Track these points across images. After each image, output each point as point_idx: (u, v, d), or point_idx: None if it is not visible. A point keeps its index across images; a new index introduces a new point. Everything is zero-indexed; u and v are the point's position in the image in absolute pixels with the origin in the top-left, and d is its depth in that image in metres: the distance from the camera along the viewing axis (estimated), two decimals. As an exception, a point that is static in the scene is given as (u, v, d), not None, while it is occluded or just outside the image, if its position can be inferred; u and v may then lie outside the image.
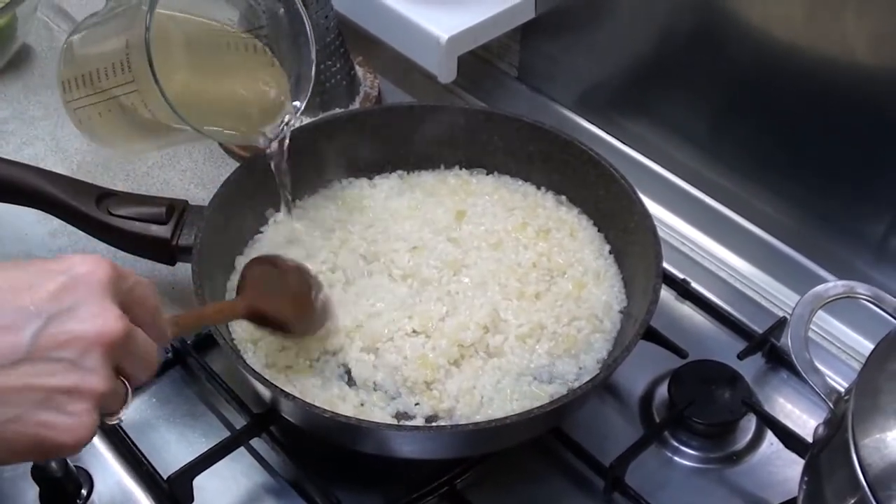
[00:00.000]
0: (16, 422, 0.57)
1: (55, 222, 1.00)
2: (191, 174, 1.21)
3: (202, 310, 0.85)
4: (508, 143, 1.06)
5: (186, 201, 0.97)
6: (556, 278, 0.98)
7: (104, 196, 0.96)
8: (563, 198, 1.05)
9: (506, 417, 0.80)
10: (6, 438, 0.57)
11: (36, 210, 0.99)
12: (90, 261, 0.61)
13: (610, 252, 1.01)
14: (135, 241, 0.96)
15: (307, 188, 1.05)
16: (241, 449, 0.92)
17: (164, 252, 0.96)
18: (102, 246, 0.99)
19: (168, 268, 0.99)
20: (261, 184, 1.00)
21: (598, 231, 1.03)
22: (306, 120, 1.17)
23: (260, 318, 0.87)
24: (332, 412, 0.81)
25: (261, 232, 1.02)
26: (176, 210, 0.96)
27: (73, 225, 0.97)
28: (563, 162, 1.03)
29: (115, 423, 0.64)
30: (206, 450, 0.89)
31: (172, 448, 0.94)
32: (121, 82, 0.91)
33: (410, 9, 1.15)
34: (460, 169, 1.09)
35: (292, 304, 0.89)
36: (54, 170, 0.99)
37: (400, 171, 1.09)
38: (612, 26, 1.14)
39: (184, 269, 0.91)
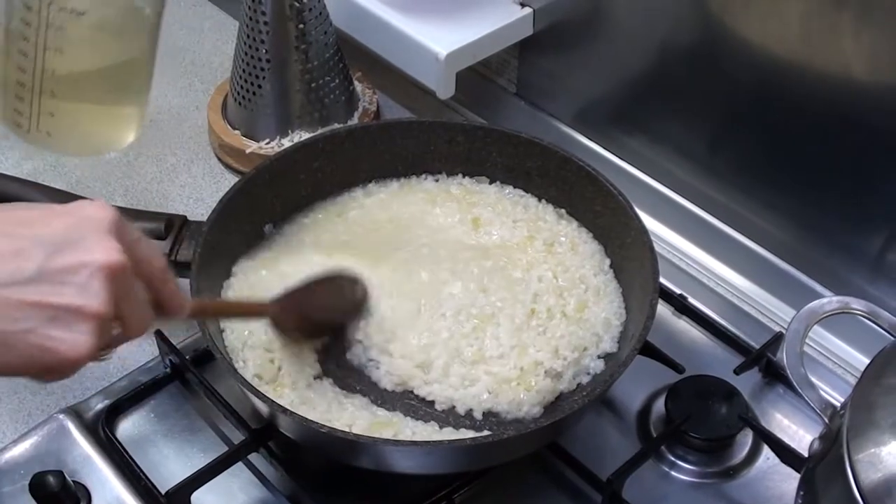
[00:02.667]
0: (27, 333, 0.62)
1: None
2: (189, 189, 1.22)
3: (229, 301, 0.93)
4: (507, 159, 1.07)
5: (185, 216, 0.98)
6: (565, 297, 0.98)
7: (103, 211, 0.96)
8: (563, 211, 1.05)
9: (503, 433, 0.81)
10: (17, 347, 0.62)
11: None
12: (96, 204, 0.67)
13: (610, 266, 1.01)
14: (134, 256, 0.96)
15: (304, 204, 1.06)
16: (240, 464, 0.92)
17: (162, 267, 0.96)
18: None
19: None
20: (259, 199, 1.01)
21: (598, 244, 1.03)
22: (305, 135, 1.18)
23: (284, 324, 0.90)
24: (329, 427, 0.81)
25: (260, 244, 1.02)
26: (174, 225, 0.96)
27: (72, 240, 0.97)
28: (561, 178, 1.03)
29: (103, 359, 0.70)
30: (204, 465, 0.90)
31: (171, 463, 0.94)
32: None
33: (409, 25, 1.16)
34: (463, 177, 1.09)
35: (323, 308, 0.93)
36: (53, 185, 1.00)
37: (402, 180, 1.10)
38: (610, 43, 1.14)
39: (182, 285, 0.91)
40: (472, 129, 1.07)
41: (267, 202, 1.02)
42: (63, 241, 0.64)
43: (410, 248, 1.02)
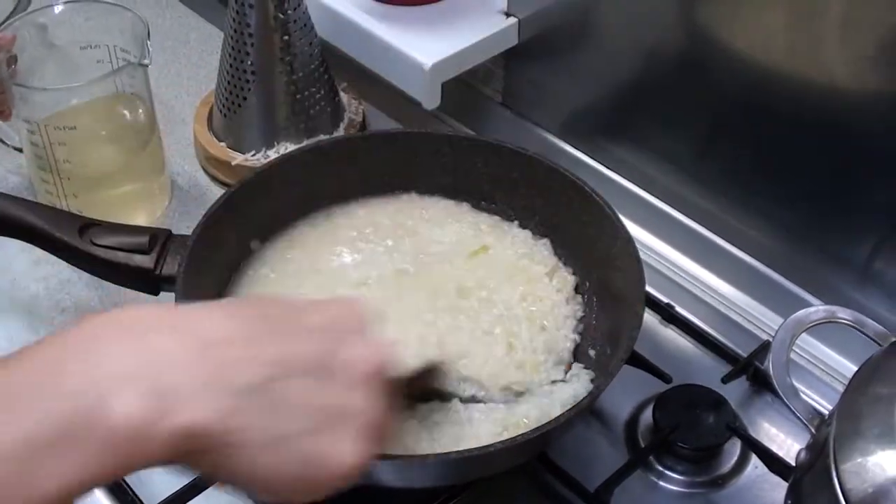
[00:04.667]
0: (299, 436, 0.54)
1: (39, 251, 1.00)
2: (174, 203, 1.21)
3: None
4: (493, 169, 1.06)
5: (169, 230, 0.97)
6: (544, 326, 0.98)
7: (87, 226, 0.96)
8: (547, 241, 1.05)
9: (490, 445, 0.80)
10: (288, 454, 0.54)
11: (19, 240, 0.99)
12: (343, 303, 0.62)
13: (588, 286, 1.01)
14: (118, 271, 0.95)
15: (291, 217, 1.05)
16: (227, 478, 0.92)
17: (147, 282, 0.95)
18: (86, 276, 0.99)
19: (152, 298, 0.99)
20: (245, 213, 1.00)
21: (573, 273, 1.03)
22: (291, 147, 1.18)
23: None
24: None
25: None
26: (159, 239, 0.95)
27: (57, 255, 0.97)
28: (547, 188, 1.03)
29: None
30: (192, 479, 0.89)
31: (158, 478, 0.92)
32: None
33: (394, 35, 1.16)
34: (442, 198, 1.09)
35: None
36: (38, 200, 0.99)
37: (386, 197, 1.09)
38: (596, 52, 1.14)
39: (167, 300, 0.91)
40: (457, 140, 1.07)
41: (253, 215, 1.01)
42: (330, 334, 0.58)
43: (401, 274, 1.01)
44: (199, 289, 0.94)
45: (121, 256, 0.95)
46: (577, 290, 1.01)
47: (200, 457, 0.52)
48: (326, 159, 1.06)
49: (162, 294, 0.96)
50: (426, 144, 1.07)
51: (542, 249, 1.03)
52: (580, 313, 0.99)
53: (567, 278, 1.01)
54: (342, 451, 0.55)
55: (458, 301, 0.98)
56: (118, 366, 0.51)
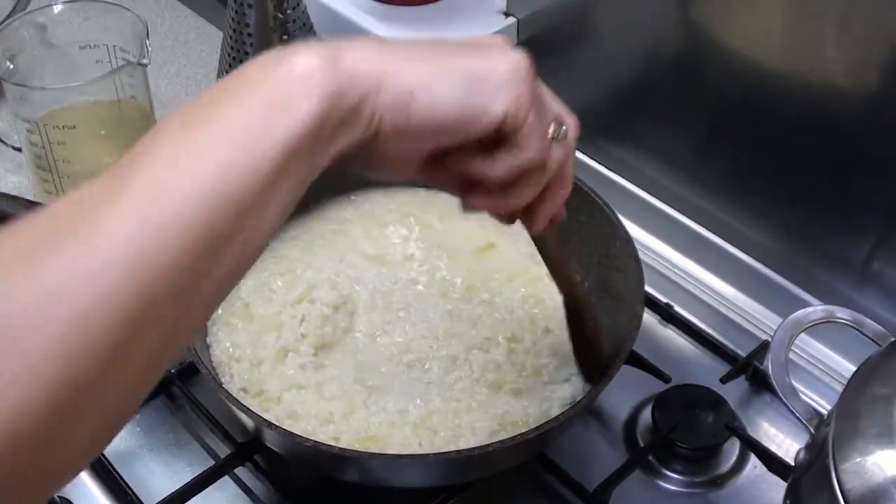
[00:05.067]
0: (445, 64, 0.60)
1: (38, 252, 1.00)
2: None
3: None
4: (492, 170, 1.06)
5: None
6: (549, 328, 0.97)
7: (87, 225, 0.96)
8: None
9: (488, 445, 0.80)
10: (441, 86, 0.59)
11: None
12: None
13: (587, 286, 1.01)
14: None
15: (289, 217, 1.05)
16: (226, 478, 0.92)
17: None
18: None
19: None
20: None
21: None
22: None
23: None
24: (314, 441, 0.80)
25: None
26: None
27: (56, 254, 0.97)
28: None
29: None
30: (190, 479, 0.89)
31: (157, 478, 0.94)
32: None
33: (394, 35, 1.16)
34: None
35: None
36: (37, 200, 0.99)
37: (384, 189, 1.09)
38: (594, 52, 1.14)
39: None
40: (456, 140, 1.07)
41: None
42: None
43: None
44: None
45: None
46: (577, 290, 1.01)
47: (367, 103, 0.57)
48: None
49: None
50: (425, 144, 1.06)
51: (544, 249, 1.03)
52: (581, 313, 0.99)
53: None
54: (503, 62, 0.61)
55: (461, 305, 0.98)
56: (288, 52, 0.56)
